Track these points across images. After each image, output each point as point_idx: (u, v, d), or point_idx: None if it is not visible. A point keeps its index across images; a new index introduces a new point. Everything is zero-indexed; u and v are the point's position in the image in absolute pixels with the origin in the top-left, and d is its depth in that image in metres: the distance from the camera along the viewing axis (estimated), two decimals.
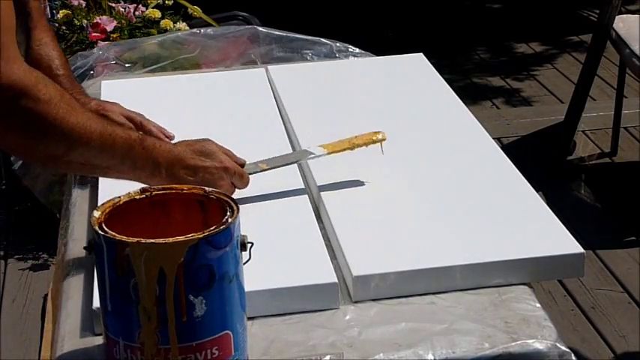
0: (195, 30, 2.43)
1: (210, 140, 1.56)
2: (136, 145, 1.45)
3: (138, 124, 1.83)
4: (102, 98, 2.04)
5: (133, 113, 1.85)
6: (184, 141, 1.55)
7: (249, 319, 1.29)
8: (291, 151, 1.82)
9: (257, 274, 1.31)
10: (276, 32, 2.35)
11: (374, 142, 1.66)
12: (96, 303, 1.31)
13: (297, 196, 1.64)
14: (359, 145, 1.66)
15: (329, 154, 1.65)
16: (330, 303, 1.39)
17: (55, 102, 1.35)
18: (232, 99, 2.07)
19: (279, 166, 1.64)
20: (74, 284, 1.47)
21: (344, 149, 1.66)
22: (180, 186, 1.30)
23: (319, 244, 1.50)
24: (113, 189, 1.41)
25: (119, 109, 1.85)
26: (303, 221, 1.57)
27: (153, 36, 2.70)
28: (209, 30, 2.37)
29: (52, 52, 1.84)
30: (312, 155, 1.66)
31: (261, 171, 1.62)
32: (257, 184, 1.64)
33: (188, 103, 2.04)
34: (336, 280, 1.40)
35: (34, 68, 1.37)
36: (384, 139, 1.66)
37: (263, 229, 1.48)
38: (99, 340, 1.30)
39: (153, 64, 2.25)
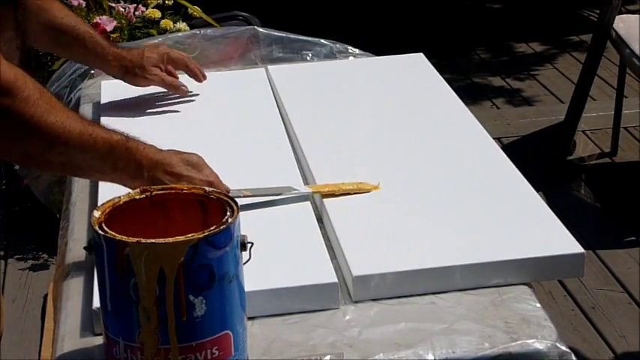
0: (195, 31, 2.42)
1: (200, 156, 1.53)
2: (118, 146, 1.43)
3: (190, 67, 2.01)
4: (101, 98, 2.04)
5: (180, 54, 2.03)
6: (173, 149, 1.53)
7: (249, 319, 1.29)
8: (290, 150, 1.82)
9: (257, 274, 1.31)
10: (276, 33, 2.35)
11: (361, 191, 1.65)
12: (96, 303, 1.31)
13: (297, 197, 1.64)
14: (346, 192, 1.64)
15: (313, 193, 1.64)
16: (330, 303, 1.39)
17: (33, 100, 1.33)
18: (232, 99, 2.07)
19: (261, 196, 1.62)
20: (74, 284, 1.47)
21: (329, 191, 1.64)
22: (180, 186, 1.30)
23: (319, 244, 1.50)
24: (113, 189, 1.41)
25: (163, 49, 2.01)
26: (304, 221, 1.57)
27: (153, 37, 2.70)
28: (209, 31, 2.36)
29: (78, 20, 1.93)
30: (296, 192, 1.64)
31: (244, 197, 1.59)
32: (257, 184, 1.64)
33: (187, 103, 2.04)
34: (336, 280, 1.40)
35: (13, 65, 1.35)
36: (368, 190, 1.65)
37: (263, 229, 1.47)
38: (99, 340, 1.30)
39: None
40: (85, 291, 1.44)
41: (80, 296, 1.43)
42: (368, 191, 1.64)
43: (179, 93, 2.02)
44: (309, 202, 1.63)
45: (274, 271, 1.41)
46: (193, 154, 1.53)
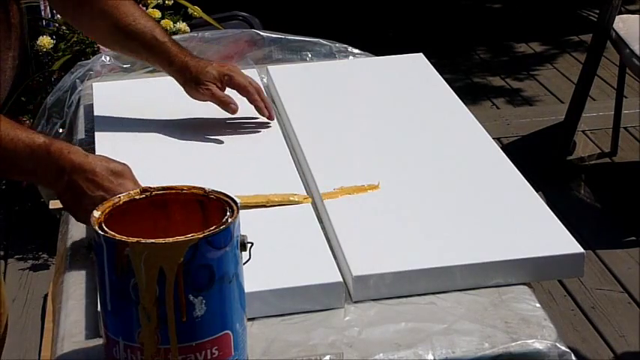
0: (192, 34, 2.41)
1: (128, 168, 1.50)
2: (39, 150, 1.44)
3: (251, 93, 1.87)
4: (94, 100, 2.03)
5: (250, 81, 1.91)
6: (101, 156, 1.52)
7: (249, 319, 1.29)
8: (286, 150, 1.81)
9: (262, 275, 1.31)
10: (275, 35, 2.34)
11: (290, 202, 1.63)
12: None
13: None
14: (275, 203, 1.62)
15: (241, 204, 1.62)
16: (335, 302, 1.39)
17: None
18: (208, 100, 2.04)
19: None
20: (74, 285, 1.47)
21: (257, 203, 1.62)
22: (180, 186, 1.30)
23: (322, 244, 1.50)
24: None
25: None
26: (305, 222, 1.57)
27: None
28: (207, 34, 2.36)
29: (149, 24, 1.86)
30: None
31: None
32: (256, 188, 1.64)
33: (178, 105, 2.02)
34: (341, 279, 1.40)
35: None
36: (300, 202, 1.62)
37: (266, 230, 1.48)
38: (98, 341, 1.30)
39: (149, 67, 2.25)
40: (85, 291, 1.44)
41: (80, 297, 1.43)
42: (298, 203, 1.62)
43: (228, 110, 1.89)
44: (309, 204, 1.62)
45: (278, 271, 1.41)
46: (121, 163, 1.50)
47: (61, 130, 2.16)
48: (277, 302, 1.38)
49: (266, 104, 1.89)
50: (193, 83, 1.86)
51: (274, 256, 1.44)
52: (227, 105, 1.87)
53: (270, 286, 1.38)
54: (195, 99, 1.90)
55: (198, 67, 1.86)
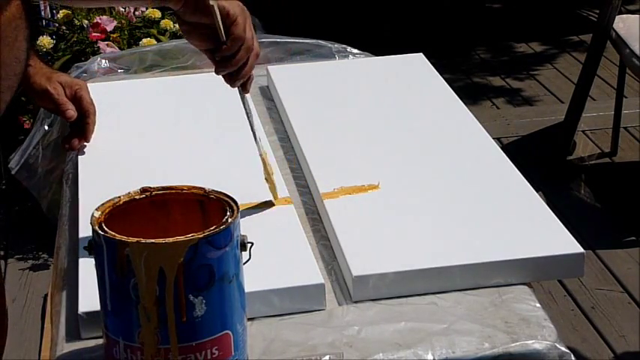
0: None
1: None
2: None
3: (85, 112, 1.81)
4: None
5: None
6: None
7: (248, 319, 1.29)
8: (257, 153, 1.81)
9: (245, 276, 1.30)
10: (273, 39, 2.34)
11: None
12: (82, 308, 1.33)
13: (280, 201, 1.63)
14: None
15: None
16: (317, 304, 1.38)
17: None
18: (205, 101, 2.03)
19: None
20: (72, 284, 1.46)
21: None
22: (180, 186, 1.30)
23: (304, 245, 1.49)
24: (93, 194, 1.40)
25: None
26: (286, 224, 1.56)
27: (148, 46, 2.68)
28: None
29: None
30: None
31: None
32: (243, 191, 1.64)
33: (172, 105, 2.02)
34: (322, 281, 1.40)
35: None
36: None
37: (246, 232, 1.46)
38: (98, 341, 1.30)
39: (147, 71, 2.24)
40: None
41: (77, 298, 1.43)
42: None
43: (62, 116, 1.83)
44: (292, 206, 1.61)
45: (261, 273, 1.39)
46: None
47: (47, 128, 2.16)
48: (262, 304, 1.36)
49: (89, 132, 1.83)
50: (44, 80, 1.79)
51: (259, 258, 1.42)
52: (63, 112, 1.80)
53: (254, 288, 1.35)
54: (42, 94, 1.81)
55: (50, 70, 1.83)
